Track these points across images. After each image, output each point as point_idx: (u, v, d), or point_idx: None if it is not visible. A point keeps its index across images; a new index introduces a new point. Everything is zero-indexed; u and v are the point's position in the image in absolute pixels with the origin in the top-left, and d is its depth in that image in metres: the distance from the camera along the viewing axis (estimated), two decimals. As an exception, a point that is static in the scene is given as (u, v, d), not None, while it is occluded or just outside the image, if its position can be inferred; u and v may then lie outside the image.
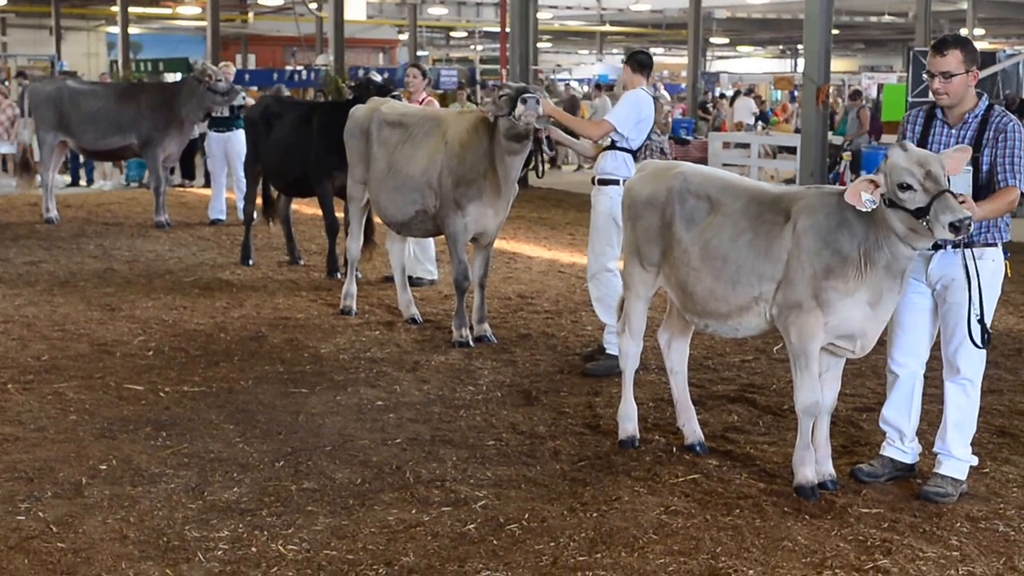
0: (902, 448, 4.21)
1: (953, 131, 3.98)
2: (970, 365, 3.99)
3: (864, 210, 3.68)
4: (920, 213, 3.57)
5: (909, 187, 3.59)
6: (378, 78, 8.15)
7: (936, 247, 3.92)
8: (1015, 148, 3.86)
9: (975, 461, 4.13)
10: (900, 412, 4.19)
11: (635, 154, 5.74)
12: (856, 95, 17.39)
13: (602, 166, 5.72)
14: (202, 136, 13.82)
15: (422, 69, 8.39)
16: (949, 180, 3.63)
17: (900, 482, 4.19)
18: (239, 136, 10.48)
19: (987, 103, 3.99)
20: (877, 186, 3.66)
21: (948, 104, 3.95)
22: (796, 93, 20.54)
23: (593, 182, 5.81)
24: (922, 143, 3.98)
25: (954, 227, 3.49)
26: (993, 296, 3.99)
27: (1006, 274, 4.03)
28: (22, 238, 10.11)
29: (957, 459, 4.05)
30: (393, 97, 7.30)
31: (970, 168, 3.84)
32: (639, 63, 5.86)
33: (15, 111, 14.03)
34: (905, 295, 4.02)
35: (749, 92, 22.36)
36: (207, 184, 14.93)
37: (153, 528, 3.68)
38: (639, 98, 5.70)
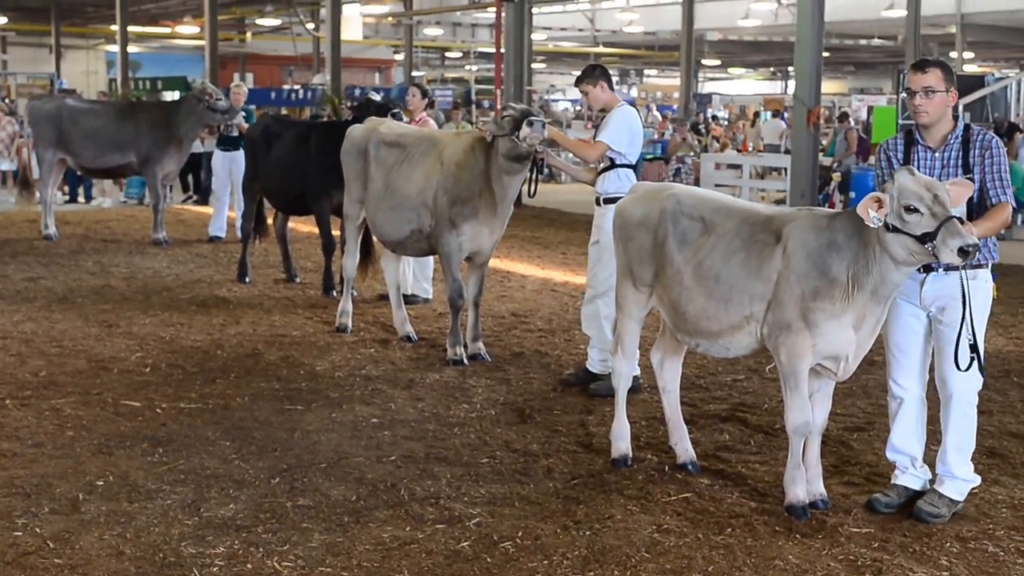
0: (915, 474, 4.16)
1: (936, 154, 3.99)
2: (967, 385, 4.00)
3: (871, 227, 3.70)
4: (926, 238, 3.59)
5: (916, 210, 3.60)
6: (376, 97, 8.25)
7: (928, 269, 3.93)
8: (1002, 164, 3.91)
9: (978, 480, 4.11)
10: (908, 437, 4.15)
11: (635, 168, 5.79)
12: (844, 117, 17.59)
13: (606, 185, 5.72)
14: (206, 154, 13.95)
15: (423, 89, 8.52)
16: None
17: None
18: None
19: (964, 124, 4.02)
20: (882, 206, 3.67)
21: (927, 123, 3.95)
22: (786, 115, 20.67)
23: (598, 202, 5.81)
24: None
25: (963, 251, 3.51)
26: (984, 317, 4.01)
27: (994, 296, 4.07)
28: (21, 254, 10.16)
29: (960, 479, 4.05)
30: (393, 115, 7.40)
31: (973, 184, 3.85)
32: (609, 79, 5.80)
33: (15, 128, 14.12)
34: (900, 318, 4.05)
35: (776, 114, 22.28)
36: (205, 201, 15.06)
37: (149, 544, 3.70)
38: (627, 113, 5.71)
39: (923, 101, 3.92)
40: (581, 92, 5.92)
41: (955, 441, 4.04)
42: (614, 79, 6.06)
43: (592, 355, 5.88)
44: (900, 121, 13.04)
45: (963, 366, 3.87)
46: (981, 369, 3.92)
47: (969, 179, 3.88)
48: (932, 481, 4.15)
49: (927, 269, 3.94)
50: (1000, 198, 3.90)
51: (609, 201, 5.69)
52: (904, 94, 4.10)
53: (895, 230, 3.66)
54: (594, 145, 5.81)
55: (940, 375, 4.04)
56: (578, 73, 6.06)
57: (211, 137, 11.89)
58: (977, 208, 3.91)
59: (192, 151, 13.61)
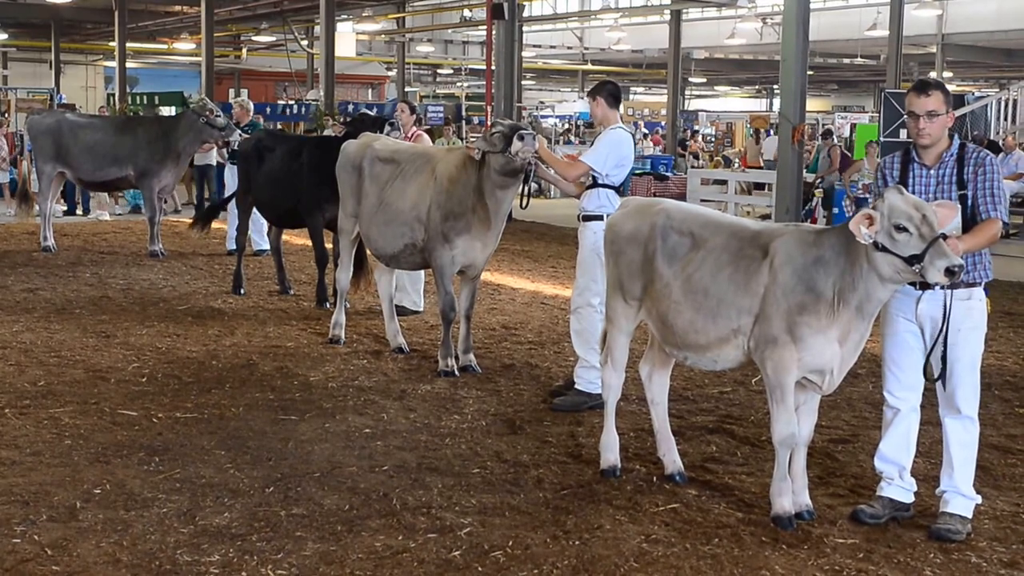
0: (902, 485, 4.17)
1: (932, 171, 4.03)
2: (968, 402, 4.02)
3: (861, 243, 3.75)
4: (913, 260, 3.63)
5: (905, 229, 3.66)
6: (370, 113, 8.38)
7: (925, 287, 3.95)
8: (994, 181, 3.95)
9: (979, 499, 4.13)
10: (899, 447, 4.16)
11: (618, 190, 5.87)
12: (828, 134, 17.78)
13: (586, 203, 5.79)
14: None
15: (411, 106, 8.67)
16: None
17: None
18: None
19: (959, 142, 4.07)
20: (873, 223, 3.72)
21: (928, 144, 3.99)
22: (772, 132, 20.86)
23: (579, 219, 5.93)
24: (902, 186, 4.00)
25: (950, 272, 3.58)
26: (982, 334, 4.05)
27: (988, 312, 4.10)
28: (20, 266, 10.21)
29: (964, 496, 4.06)
30: (391, 124, 7.50)
31: (958, 205, 3.91)
32: (615, 97, 5.77)
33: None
34: (896, 334, 4.08)
35: (769, 132, 22.41)
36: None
37: (146, 552, 3.74)
38: (619, 138, 5.70)
39: (927, 124, 3.96)
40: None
41: (960, 457, 4.06)
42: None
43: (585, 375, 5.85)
44: (881, 139, 13.22)
45: (934, 376, 3.95)
46: (942, 379, 3.97)
47: (963, 195, 3.94)
48: (918, 494, 4.22)
49: (924, 286, 3.95)
50: (990, 213, 3.93)
51: (588, 218, 5.75)
52: (906, 117, 4.12)
53: (883, 249, 3.71)
54: (575, 165, 5.88)
55: (941, 392, 4.06)
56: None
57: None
58: (971, 223, 3.95)
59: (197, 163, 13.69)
